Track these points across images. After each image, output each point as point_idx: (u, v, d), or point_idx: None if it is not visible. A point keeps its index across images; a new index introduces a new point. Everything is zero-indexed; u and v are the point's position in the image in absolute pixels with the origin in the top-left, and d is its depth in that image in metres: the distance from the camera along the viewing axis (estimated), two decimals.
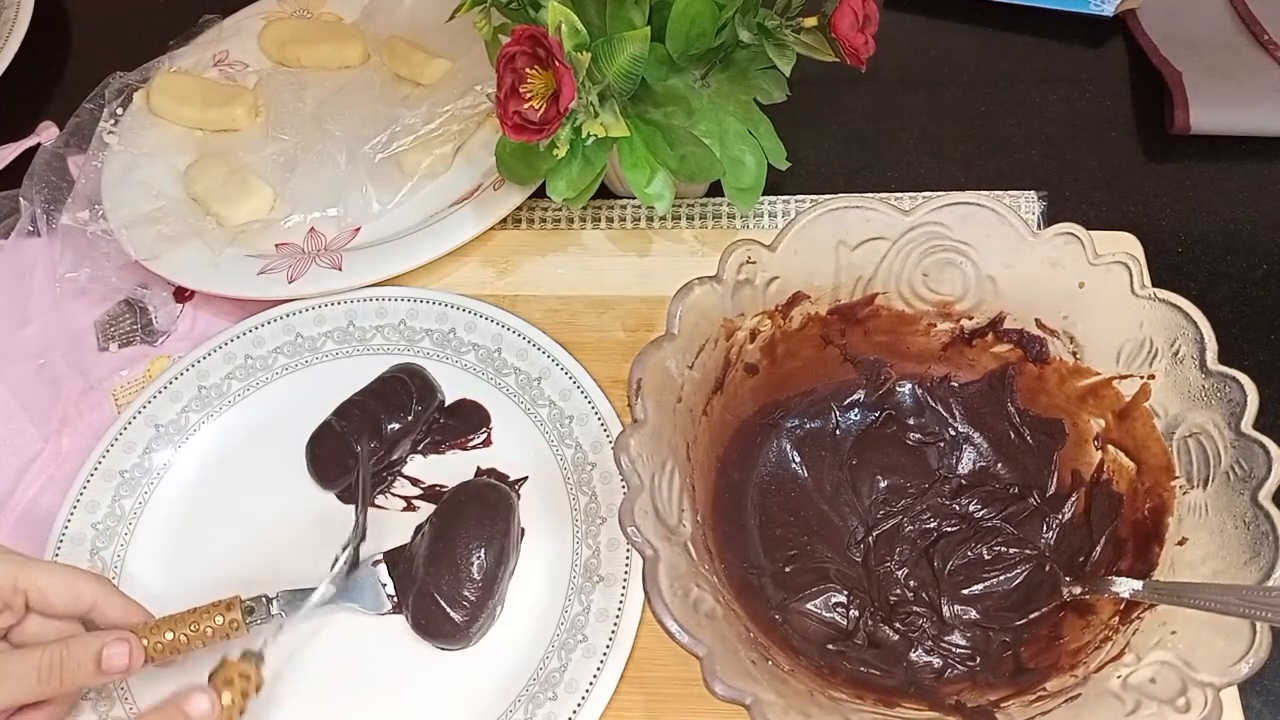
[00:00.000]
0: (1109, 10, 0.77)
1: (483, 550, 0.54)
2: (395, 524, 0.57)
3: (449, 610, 0.53)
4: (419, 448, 0.60)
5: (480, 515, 0.55)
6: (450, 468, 0.59)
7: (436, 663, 0.54)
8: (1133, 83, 0.75)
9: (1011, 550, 0.53)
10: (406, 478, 0.59)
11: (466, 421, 0.60)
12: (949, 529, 0.54)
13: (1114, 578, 0.47)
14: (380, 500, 0.59)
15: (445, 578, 0.53)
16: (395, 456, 0.59)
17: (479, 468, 0.59)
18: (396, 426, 0.58)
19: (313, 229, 0.68)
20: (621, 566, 0.54)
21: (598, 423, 0.58)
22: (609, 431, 0.58)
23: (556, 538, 0.56)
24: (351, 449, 0.58)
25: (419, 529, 0.57)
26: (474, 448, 0.60)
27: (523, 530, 0.56)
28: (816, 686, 0.45)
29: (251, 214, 0.68)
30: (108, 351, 0.65)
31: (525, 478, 0.59)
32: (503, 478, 0.59)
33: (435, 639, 0.53)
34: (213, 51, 0.77)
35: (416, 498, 0.59)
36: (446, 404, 0.61)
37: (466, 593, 0.53)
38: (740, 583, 0.50)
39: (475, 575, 0.53)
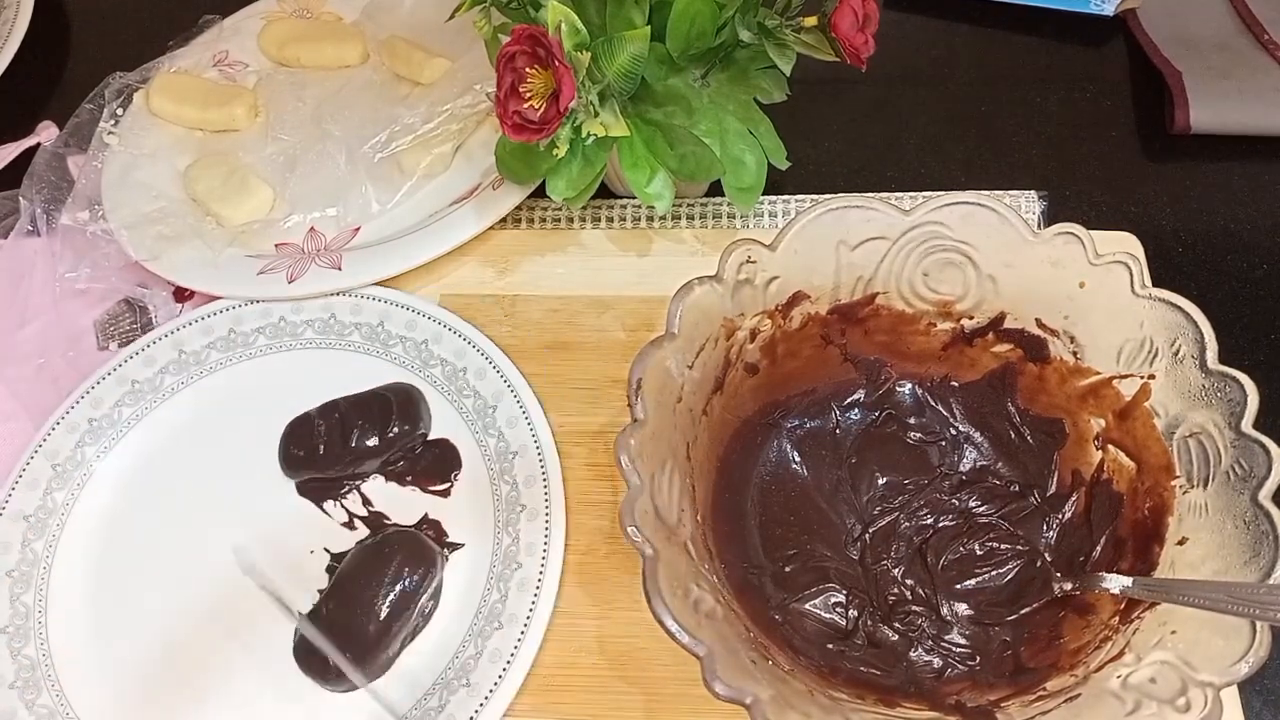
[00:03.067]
0: (1109, 10, 0.77)
1: (388, 605, 0.53)
2: (332, 533, 0.58)
3: (326, 655, 0.52)
4: (386, 468, 0.59)
5: (399, 568, 0.54)
6: (401, 503, 0.58)
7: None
8: (1133, 82, 0.75)
9: (1004, 546, 0.53)
10: (361, 494, 0.59)
11: (440, 463, 0.59)
12: (944, 524, 0.54)
13: (1104, 574, 0.47)
14: (328, 506, 0.58)
15: (340, 619, 0.52)
16: (361, 470, 0.59)
17: (426, 515, 0.58)
18: (369, 443, 0.58)
19: (312, 229, 0.68)
20: (526, 609, 0.53)
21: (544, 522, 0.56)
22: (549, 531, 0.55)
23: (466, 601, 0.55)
24: (315, 445, 0.58)
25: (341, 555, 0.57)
26: (433, 492, 0.59)
27: (434, 605, 0.55)
28: (816, 686, 0.45)
29: (251, 214, 0.68)
30: (108, 351, 0.65)
31: (462, 545, 0.57)
32: (441, 534, 0.57)
33: (309, 674, 0.53)
34: (212, 52, 0.77)
35: (360, 519, 0.58)
36: (430, 437, 0.60)
37: (355, 643, 0.52)
38: (740, 582, 0.50)
39: (369, 628, 0.52)
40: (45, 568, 0.57)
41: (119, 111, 0.73)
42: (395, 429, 0.58)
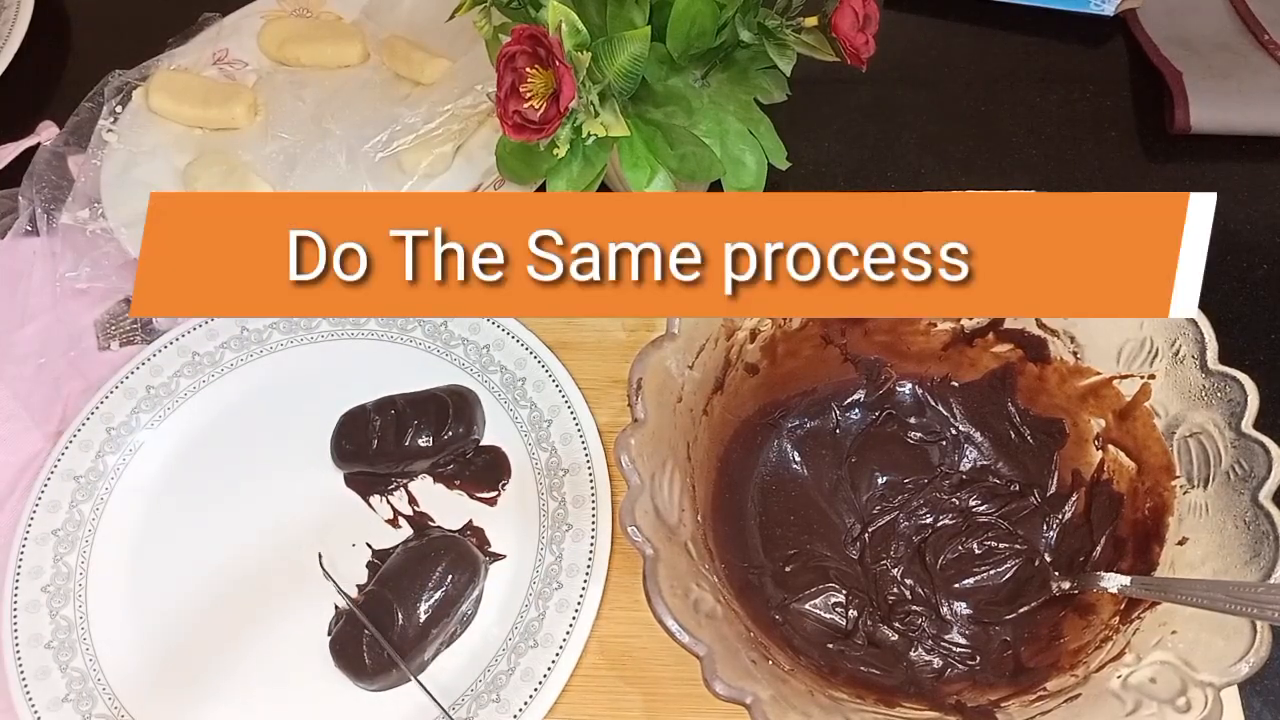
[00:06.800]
0: (1109, 10, 0.77)
1: (430, 608, 0.52)
2: (375, 528, 0.57)
3: (364, 652, 0.51)
4: (436, 469, 0.59)
5: (445, 572, 0.53)
6: (447, 506, 0.58)
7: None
8: (1133, 82, 0.75)
9: (1002, 545, 0.53)
10: (408, 492, 0.59)
11: (490, 470, 0.59)
12: (943, 523, 0.54)
13: (1101, 573, 0.47)
14: (374, 501, 0.58)
15: (380, 617, 0.52)
16: (411, 469, 0.58)
17: (470, 522, 0.58)
18: (422, 443, 0.57)
19: None
20: (563, 631, 0.53)
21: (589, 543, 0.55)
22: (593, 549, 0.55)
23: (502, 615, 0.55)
24: (369, 440, 0.58)
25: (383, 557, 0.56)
26: (480, 499, 0.59)
27: (474, 613, 0.55)
28: (817, 686, 0.45)
29: None
30: (108, 351, 0.65)
31: (504, 556, 0.57)
32: (483, 542, 0.57)
33: (343, 668, 0.52)
34: (212, 50, 0.77)
35: (406, 517, 0.58)
36: (482, 443, 0.60)
37: (389, 643, 0.51)
38: (740, 582, 0.50)
39: (408, 630, 0.52)
40: (90, 530, 0.57)
41: (118, 109, 0.73)
42: (450, 432, 0.57)
